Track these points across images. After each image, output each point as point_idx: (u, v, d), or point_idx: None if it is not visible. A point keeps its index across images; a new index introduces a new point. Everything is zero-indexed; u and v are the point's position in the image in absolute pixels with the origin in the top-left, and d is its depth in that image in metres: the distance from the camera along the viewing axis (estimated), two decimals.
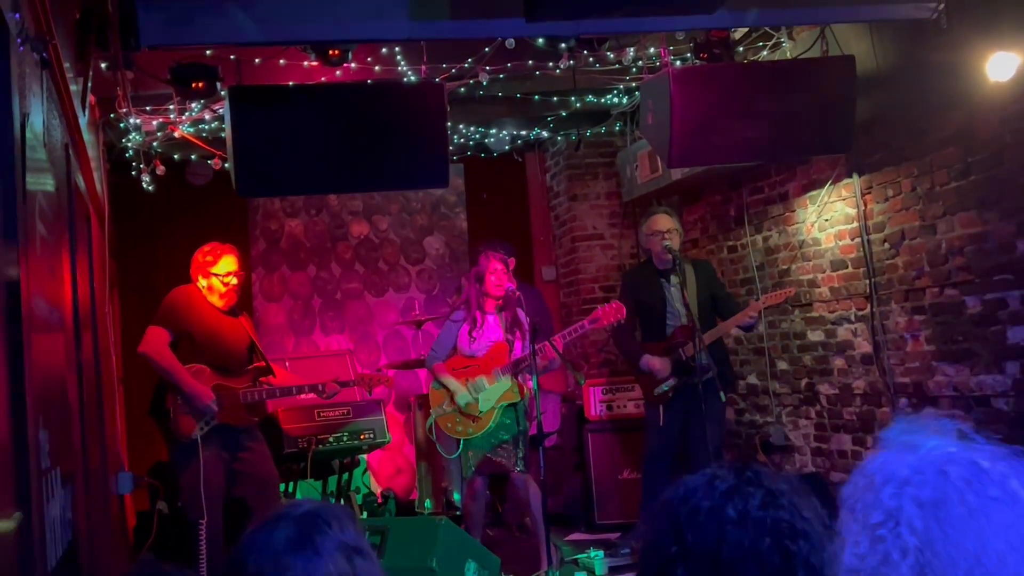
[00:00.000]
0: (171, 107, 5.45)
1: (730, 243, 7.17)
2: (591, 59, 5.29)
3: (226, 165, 5.13)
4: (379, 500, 6.92)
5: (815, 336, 6.27)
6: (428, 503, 6.85)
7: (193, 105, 5.39)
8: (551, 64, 5.34)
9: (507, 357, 5.56)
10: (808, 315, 6.32)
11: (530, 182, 8.74)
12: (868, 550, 1.38)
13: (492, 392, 5.53)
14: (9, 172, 2.15)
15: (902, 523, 1.36)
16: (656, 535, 1.36)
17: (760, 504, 1.32)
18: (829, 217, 6.06)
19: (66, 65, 3.32)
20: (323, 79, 5.13)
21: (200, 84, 4.60)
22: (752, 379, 6.99)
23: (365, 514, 6.49)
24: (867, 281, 5.70)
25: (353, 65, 4.77)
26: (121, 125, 5.70)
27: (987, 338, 4.84)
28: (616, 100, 6.76)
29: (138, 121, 5.56)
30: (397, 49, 5.10)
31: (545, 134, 7.47)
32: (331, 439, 6.27)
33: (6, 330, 2.05)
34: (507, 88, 6.10)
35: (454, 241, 8.37)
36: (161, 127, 5.83)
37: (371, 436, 6.41)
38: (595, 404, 6.85)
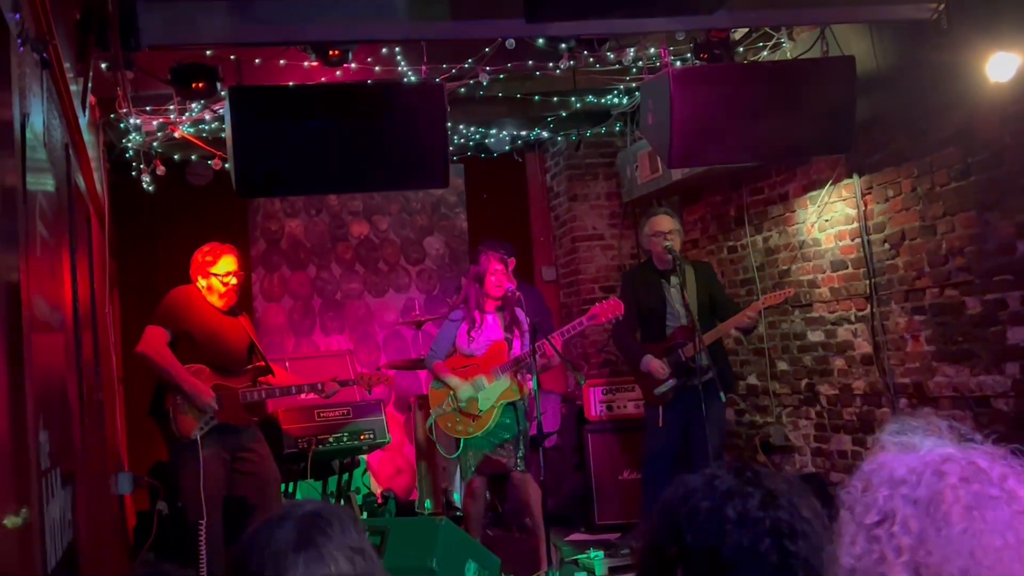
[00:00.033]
0: (171, 107, 5.45)
1: (730, 243, 7.17)
2: (591, 59, 5.29)
3: (226, 165, 5.13)
4: (379, 500, 6.92)
5: (815, 336, 6.27)
6: (428, 503, 6.85)
7: (193, 105, 5.39)
8: (551, 64, 5.34)
9: (506, 356, 5.56)
10: (808, 315, 6.32)
11: (530, 182, 8.74)
12: (865, 550, 1.38)
13: (491, 391, 5.54)
14: (9, 172, 2.15)
15: (897, 522, 1.36)
16: (655, 535, 1.36)
17: (759, 504, 1.32)
18: (829, 217, 6.06)
19: (66, 65, 3.32)
20: (323, 79, 5.13)
21: (200, 84, 4.60)
22: (752, 379, 6.99)
23: (365, 514, 6.48)
24: (867, 281, 5.70)
25: (353, 65, 4.77)
26: (121, 125, 5.70)
27: (987, 339, 4.84)
28: (616, 100, 6.76)
29: (138, 121, 5.56)
30: (397, 49, 5.10)
31: (545, 134, 7.47)
32: (331, 439, 6.27)
33: (6, 330, 2.05)
34: (507, 88, 6.10)
35: (454, 241, 8.37)
36: (161, 127, 5.83)
37: (371, 436, 6.41)
38: (595, 404, 6.85)
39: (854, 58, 4.92)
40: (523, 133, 7.39)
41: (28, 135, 2.35)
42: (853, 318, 5.88)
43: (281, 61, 4.97)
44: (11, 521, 1.90)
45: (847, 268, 5.92)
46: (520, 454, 5.57)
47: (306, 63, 4.71)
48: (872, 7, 4.69)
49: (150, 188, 6.18)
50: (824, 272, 6.13)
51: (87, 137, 4.31)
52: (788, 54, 5.55)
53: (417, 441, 7.08)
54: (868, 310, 5.71)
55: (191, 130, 5.86)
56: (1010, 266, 4.67)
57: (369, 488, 7.24)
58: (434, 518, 5.44)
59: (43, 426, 2.37)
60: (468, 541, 4.97)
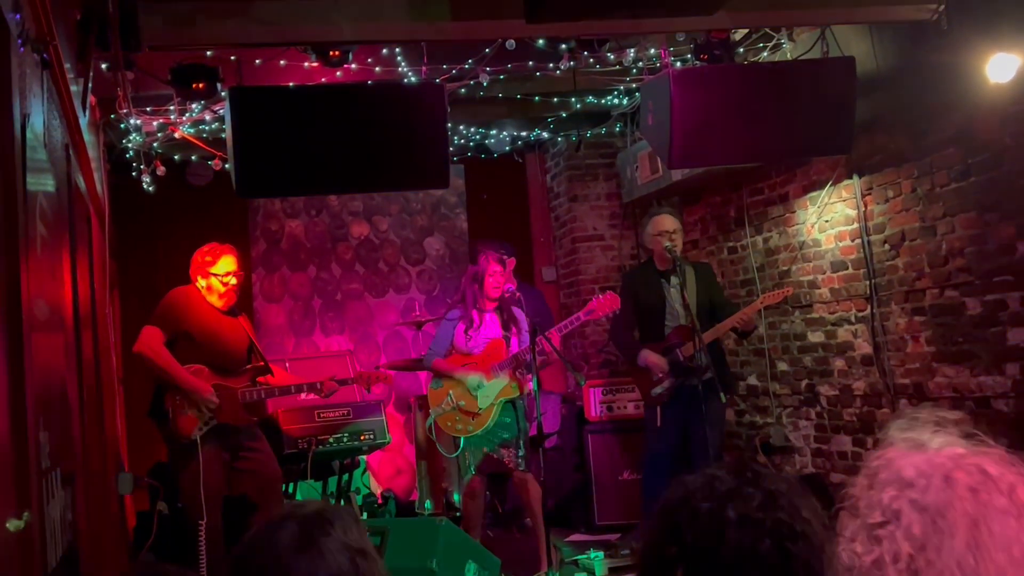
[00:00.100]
0: (171, 108, 5.45)
1: (730, 244, 7.17)
2: (591, 60, 5.29)
3: (226, 166, 5.13)
4: (379, 501, 6.92)
5: (815, 337, 6.27)
6: (428, 504, 6.85)
7: (193, 106, 5.39)
8: (551, 65, 5.35)
9: (504, 353, 5.57)
10: (808, 316, 6.32)
11: (530, 183, 8.74)
12: (864, 549, 1.37)
13: (490, 389, 5.55)
14: (9, 173, 2.15)
15: (900, 527, 1.34)
16: (656, 536, 1.36)
17: (760, 505, 1.32)
18: (829, 218, 6.06)
19: (67, 66, 3.32)
20: (323, 80, 5.13)
21: (200, 85, 4.60)
22: (752, 380, 6.99)
23: (365, 515, 6.49)
24: (867, 282, 5.70)
25: (353, 66, 4.77)
26: (122, 126, 5.70)
27: (987, 339, 4.84)
28: (616, 101, 6.76)
29: (138, 122, 5.56)
30: (397, 50, 5.10)
31: (545, 135, 7.47)
32: (331, 440, 6.27)
33: (6, 330, 2.05)
34: (507, 89, 6.10)
35: (454, 242, 8.37)
36: (161, 128, 5.83)
37: (371, 437, 6.41)
38: (595, 405, 6.85)
39: (854, 59, 4.92)
40: (523, 134, 7.39)
41: (28, 135, 2.35)
42: (853, 319, 5.88)
43: (281, 62, 4.97)
44: (13, 524, 1.90)
45: (847, 269, 5.92)
46: (521, 454, 5.57)
47: (306, 64, 4.71)
48: (872, 8, 4.69)
49: (150, 188, 6.18)
50: (824, 273, 6.13)
51: (87, 137, 4.31)
52: (788, 55, 5.55)
53: (417, 441, 7.08)
54: (868, 311, 5.71)
55: (191, 130, 5.86)
56: (1010, 267, 4.67)
57: (369, 488, 7.24)
58: (434, 518, 5.45)
59: (43, 426, 2.37)
60: (468, 542, 4.97)
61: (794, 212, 6.41)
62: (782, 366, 6.65)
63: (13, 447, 2.02)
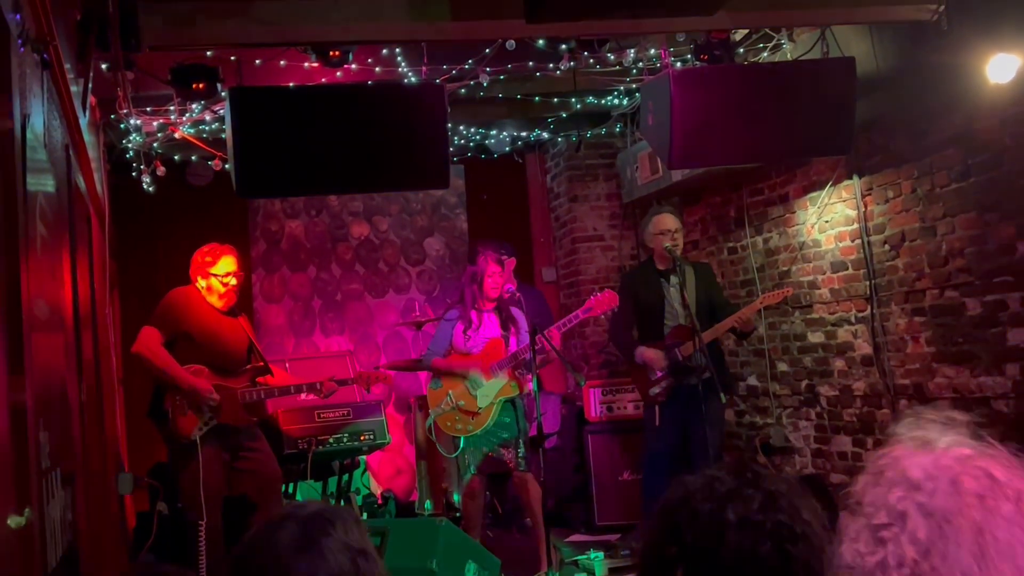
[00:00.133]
0: (171, 108, 5.45)
1: (730, 244, 7.17)
2: (591, 60, 5.29)
3: (226, 166, 5.13)
4: (379, 501, 6.92)
5: (815, 338, 6.27)
6: (428, 504, 6.85)
7: (194, 106, 5.39)
8: (551, 65, 5.35)
9: (503, 352, 5.57)
10: (808, 316, 6.32)
11: (530, 183, 8.74)
12: (867, 550, 1.36)
13: (490, 388, 5.55)
14: (9, 173, 2.15)
15: (906, 530, 1.34)
16: (656, 537, 1.36)
17: (760, 507, 1.32)
18: (829, 219, 6.06)
19: (67, 66, 3.32)
20: (323, 80, 5.13)
21: (201, 85, 4.60)
22: (752, 380, 6.99)
23: (365, 515, 6.49)
24: (867, 283, 5.70)
25: (353, 66, 4.77)
26: (122, 126, 5.70)
27: (987, 340, 4.85)
28: (616, 101, 6.76)
29: (138, 122, 5.56)
30: (397, 50, 5.10)
31: (545, 135, 7.47)
32: (331, 440, 6.27)
33: (6, 330, 2.05)
34: (507, 89, 6.10)
35: (454, 242, 8.37)
36: (161, 128, 5.83)
37: (371, 437, 6.42)
38: (595, 405, 6.84)
39: (854, 59, 4.92)
40: (523, 134, 7.39)
41: (28, 136, 2.35)
42: (853, 319, 5.88)
43: (281, 62, 4.97)
44: (15, 521, 1.90)
45: (847, 269, 5.92)
46: (521, 453, 5.57)
47: (306, 64, 4.71)
48: (872, 8, 4.69)
49: (150, 189, 6.18)
50: (824, 273, 6.13)
51: (87, 138, 4.31)
52: (788, 55, 5.55)
53: (417, 442, 7.08)
54: (868, 311, 5.72)
55: (191, 131, 5.86)
56: (1010, 267, 4.67)
57: (369, 489, 7.24)
58: (434, 519, 5.44)
59: (43, 426, 2.37)
60: (468, 542, 4.97)
61: (794, 212, 6.41)
62: (782, 366, 6.65)
63: (13, 447, 2.02)
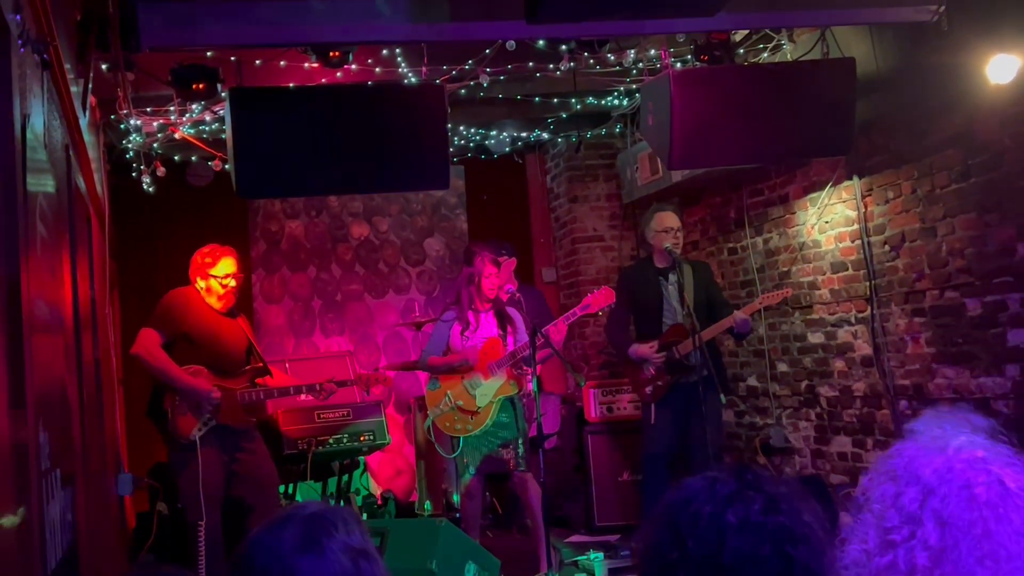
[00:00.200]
0: (172, 108, 5.45)
1: (730, 245, 7.17)
2: (591, 61, 5.29)
3: (226, 166, 5.13)
4: (379, 502, 6.92)
5: (815, 338, 6.27)
6: (428, 505, 6.85)
7: (194, 106, 5.39)
8: (551, 66, 5.35)
9: (501, 351, 5.57)
10: (808, 317, 6.32)
11: (530, 184, 8.74)
12: (876, 550, 1.36)
13: (488, 387, 5.55)
14: (9, 173, 2.15)
15: (918, 537, 1.33)
16: (656, 540, 1.35)
17: (761, 510, 1.31)
18: (829, 219, 6.06)
19: (67, 66, 3.32)
20: (323, 81, 5.13)
21: (201, 85, 4.59)
22: (752, 381, 6.99)
23: (365, 516, 6.48)
24: (867, 283, 5.70)
25: (354, 67, 4.77)
26: (122, 126, 5.70)
27: (987, 340, 4.85)
28: (616, 102, 6.76)
29: (139, 122, 5.56)
30: (398, 51, 5.10)
31: (545, 136, 7.47)
32: (331, 440, 6.28)
33: (6, 331, 2.05)
34: (507, 90, 6.10)
35: (454, 243, 8.37)
36: (162, 128, 5.83)
37: (371, 438, 6.42)
38: (595, 406, 6.84)
39: (854, 60, 4.92)
40: (523, 134, 7.39)
41: (28, 136, 2.35)
42: (853, 320, 5.88)
43: (281, 62, 4.97)
44: (8, 520, 1.90)
45: (847, 270, 5.92)
46: (521, 454, 5.57)
47: (306, 64, 4.71)
48: (872, 9, 4.69)
49: (150, 189, 6.18)
50: (824, 274, 6.13)
51: (87, 138, 4.31)
52: (788, 56, 5.55)
53: (417, 442, 7.08)
54: (868, 312, 5.72)
55: (191, 131, 5.86)
56: (1010, 268, 4.67)
57: (369, 489, 7.24)
58: (434, 519, 5.44)
59: (43, 427, 2.37)
60: (468, 542, 4.96)
61: (794, 213, 6.41)
62: (782, 367, 6.65)
63: (13, 447, 2.02)
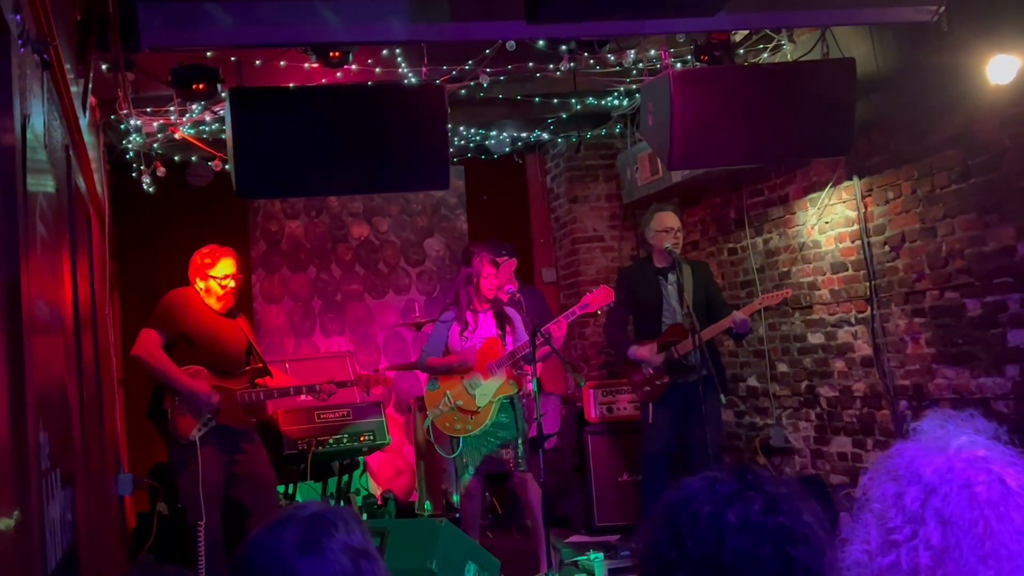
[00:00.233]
0: (172, 109, 5.45)
1: (730, 245, 7.17)
2: (591, 61, 5.29)
3: (226, 166, 5.13)
4: (379, 502, 6.92)
5: (815, 338, 6.26)
6: (428, 505, 6.85)
7: (194, 107, 5.39)
8: (552, 66, 5.34)
9: (500, 351, 5.58)
10: (808, 317, 6.32)
11: (530, 184, 8.74)
12: (879, 550, 1.36)
13: (488, 387, 5.56)
14: (9, 173, 2.15)
15: (920, 536, 1.33)
16: (656, 540, 1.35)
17: (761, 510, 1.31)
18: (829, 219, 6.06)
19: (67, 66, 3.32)
20: (323, 81, 5.13)
21: (201, 85, 4.59)
22: (752, 381, 6.99)
23: (365, 516, 6.48)
24: (867, 284, 5.70)
25: (354, 67, 4.77)
26: (122, 127, 5.70)
27: (987, 341, 4.85)
28: (616, 102, 6.76)
29: (139, 122, 5.56)
30: (398, 51, 5.10)
31: (545, 136, 7.47)
32: (331, 441, 6.27)
33: (7, 331, 2.05)
34: (507, 90, 6.10)
35: (454, 243, 8.37)
36: (162, 128, 5.83)
37: (371, 438, 6.42)
38: (595, 406, 6.84)
39: (854, 60, 4.92)
40: (523, 135, 7.39)
41: (28, 136, 2.35)
42: (853, 320, 5.88)
43: (281, 62, 4.97)
44: (7, 520, 1.90)
45: (847, 270, 5.92)
46: (520, 454, 5.57)
47: (306, 64, 4.71)
48: (872, 9, 4.69)
49: (150, 189, 6.18)
50: (824, 274, 6.13)
51: (87, 138, 4.31)
52: (788, 56, 5.55)
53: (417, 442, 7.08)
54: (868, 312, 5.71)
55: (191, 131, 5.86)
56: (1010, 268, 4.67)
57: (369, 489, 7.24)
58: (434, 519, 5.44)
59: (43, 427, 2.37)
60: (468, 543, 4.96)
61: (794, 213, 6.41)
62: (782, 367, 6.65)
63: (13, 447, 2.02)
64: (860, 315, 5.81)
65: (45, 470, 2.38)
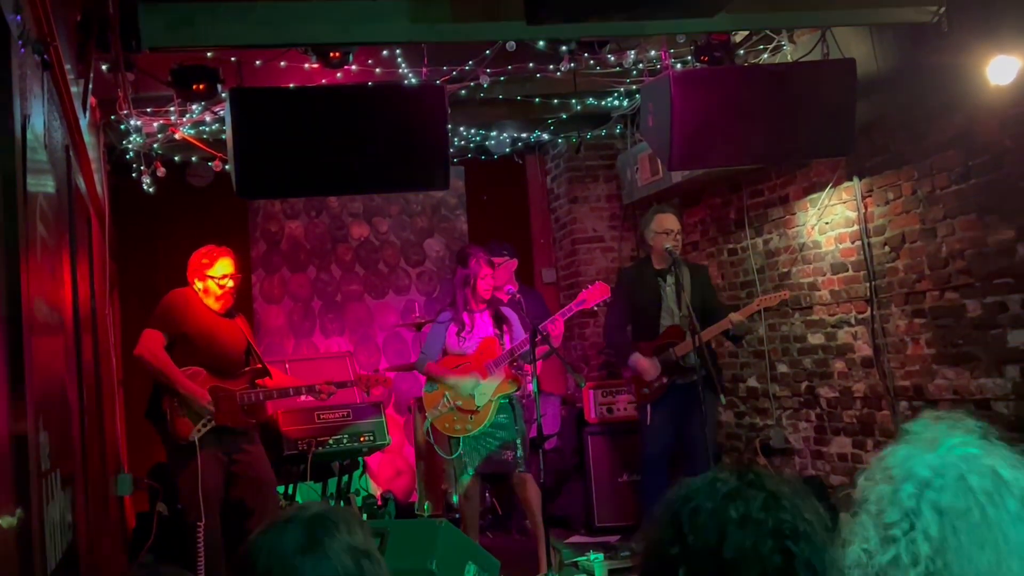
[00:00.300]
0: (172, 109, 5.45)
1: (730, 246, 7.17)
2: (591, 62, 5.29)
3: (226, 167, 5.13)
4: (379, 502, 6.92)
5: (815, 339, 6.26)
6: (428, 505, 6.85)
7: (194, 107, 5.39)
8: (552, 67, 5.34)
9: (498, 350, 5.58)
10: (808, 318, 6.32)
11: (530, 184, 8.74)
12: (878, 547, 1.37)
13: (487, 386, 5.56)
14: (9, 173, 2.15)
15: (918, 528, 1.34)
16: (658, 536, 1.35)
17: (762, 506, 1.32)
18: (829, 220, 6.06)
19: (67, 67, 3.32)
20: (324, 81, 5.13)
21: (201, 86, 4.59)
22: (752, 382, 6.99)
23: (365, 516, 6.48)
24: (867, 284, 5.70)
25: (354, 67, 4.77)
26: (122, 127, 5.70)
27: (987, 341, 4.84)
28: (616, 103, 6.76)
29: (139, 123, 5.56)
30: (398, 51, 5.10)
31: (545, 136, 7.47)
32: (331, 441, 6.27)
33: (6, 331, 2.05)
34: (508, 90, 6.09)
35: (454, 243, 8.37)
36: (162, 129, 5.82)
37: (371, 438, 6.41)
38: (595, 407, 6.84)
39: (854, 61, 4.92)
40: (523, 135, 7.39)
41: (29, 136, 2.35)
42: (853, 321, 5.88)
43: (282, 63, 4.97)
44: (6, 521, 1.90)
45: (847, 271, 5.92)
46: (520, 454, 5.57)
47: (307, 65, 4.70)
48: (873, 10, 4.69)
49: (150, 189, 6.18)
50: (824, 275, 6.13)
51: (88, 138, 4.31)
52: (788, 57, 5.55)
53: (417, 443, 7.07)
54: (868, 313, 5.71)
55: (192, 132, 5.85)
56: (1010, 269, 4.67)
57: (368, 490, 7.23)
58: (434, 520, 5.44)
59: (43, 427, 2.37)
60: (468, 543, 4.96)
61: (794, 214, 6.41)
62: (782, 368, 6.65)
63: (13, 447, 2.02)
64: (860, 316, 5.81)
65: (45, 470, 2.38)
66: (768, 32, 5.37)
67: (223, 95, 4.67)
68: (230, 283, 5.36)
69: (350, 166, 4.73)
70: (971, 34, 4.45)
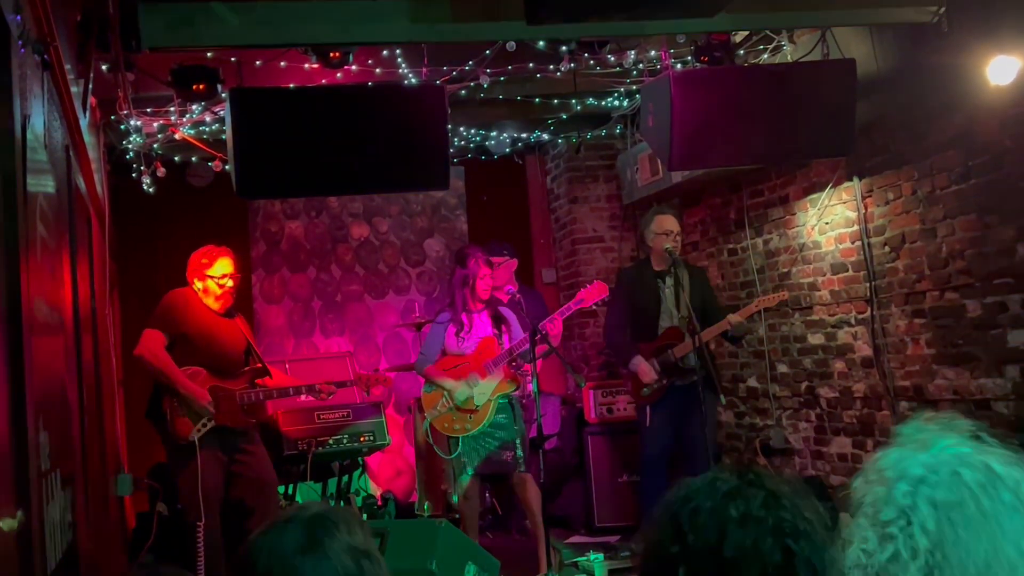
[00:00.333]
0: (172, 109, 5.45)
1: (730, 246, 7.17)
2: (592, 62, 5.29)
3: (226, 167, 5.13)
4: (379, 502, 6.92)
5: (815, 339, 6.26)
6: (427, 505, 6.85)
7: (194, 107, 5.39)
8: (552, 67, 5.34)
9: (496, 350, 5.58)
10: (808, 318, 6.32)
11: (530, 184, 8.74)
12: (877, 546, 1.37)
13: (486, 386, 5.56)
14: (9, 173, 2.15)
15: (915, 523, 1.35)
16: (658, 535, 1.36)
17: (762, 504, 1.32)
18: (829, 220, 6.06)
19: (67, 67, 3.32)
20: (324, 81, 5.13)
21: (201, 86, 4.59)
22: (752, 382, 6.99)
23: (365, 516, 6.48)
24: (867, 284, 5.70)
25: (354, 67, 4.77)
26: (122, 127, 5.70)
27: (987, 342, 4.84)
28: (616, 103, 6.75)
29: (139, 123, 5.56)
30: (398, 51, 5.10)
31: (546, 137, 7.47)
32: (331, 441, 6.27)
33: (6, 332, 2.05)
34: (508, 90, 6.09)
35: (454, 243, 8.37)
36: (162, 129, 5.82)
37: (371, 438, 6.41)
38: (595, 407, 6.84)
39: (854, 61, 4.92)
40: (523, 135, 7.39)
41: (29, 136, 2.35)
42: (853, 321, 5.88)
43: (282, 63, 4.97)
44: (7, 524, 1.90)
45: (847, 271, 5.92)
46: (519, 454, 5.58)
47: (307, 65, 4.70)
48: (873, 10, 4.69)
49: (150, 190, 6.18)
50: (824, 275, 6.13)
51: (88, 138, 4.31)
52: (789, 57, 5.55)
53: (416, 443, 7.07)
54: (868, 313, 5.71)
55: (192, 132, 5.85)
56: (1010, 269, 4.67)
57: (368, 490, 7.23)
58: (434, 520, 5.44)
59: (43, 427, 2.37)
60: (468, 543, 4.96)
61: (794, 214, 6.41)
62: (782, 368, 6.65)
63: (13, 447, 2.02)
64: (860, 316, 5.81)
65: (45, 470, 2.38)
66: (768, 32, 5.37)
67: (223, 95, 4.67)
68: (230, 283, 5.36)
69: (350, 166, 4.73)
70: (971, 34, 4.45)
